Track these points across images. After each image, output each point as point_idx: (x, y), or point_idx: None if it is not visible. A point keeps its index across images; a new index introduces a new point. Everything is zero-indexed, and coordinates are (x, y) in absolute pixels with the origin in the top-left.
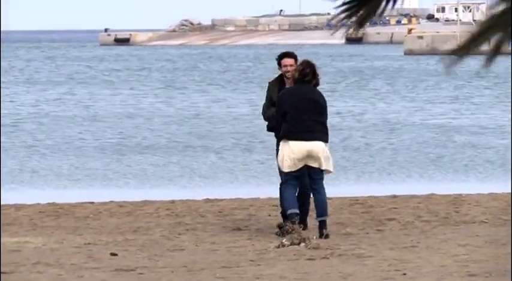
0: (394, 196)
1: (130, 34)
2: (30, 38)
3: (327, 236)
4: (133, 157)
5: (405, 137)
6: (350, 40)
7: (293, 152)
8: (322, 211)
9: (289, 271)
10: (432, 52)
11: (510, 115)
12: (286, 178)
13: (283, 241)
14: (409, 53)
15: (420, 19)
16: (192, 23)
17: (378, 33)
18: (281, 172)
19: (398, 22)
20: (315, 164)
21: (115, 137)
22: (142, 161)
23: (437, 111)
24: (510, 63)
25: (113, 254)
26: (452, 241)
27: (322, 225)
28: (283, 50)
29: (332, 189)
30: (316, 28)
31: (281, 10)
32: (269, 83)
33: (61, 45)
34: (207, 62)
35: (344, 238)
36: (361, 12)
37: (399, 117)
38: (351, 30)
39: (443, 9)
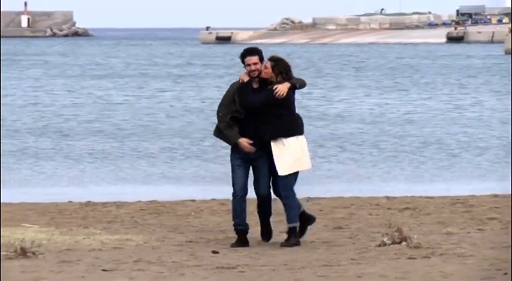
0: (495, 195)
1: (232, 32)
2: (133, 35)
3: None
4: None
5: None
6: (451, 39)
7: None
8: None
9: (389, 270)
10: None
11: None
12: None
13: (385, 239)
14: (510, 52)
15: None
16: (293, 22)
17: (479, 32)
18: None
19: (500, 21)
20: None
21: None
22: None
23: None
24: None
25: (214, 252)
26: None
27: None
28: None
29: (433, 188)
30: (417, 27)
31: (382, 9)
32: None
33: (164, 43)
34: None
35: (445, 237)
36: None
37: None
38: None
39: None
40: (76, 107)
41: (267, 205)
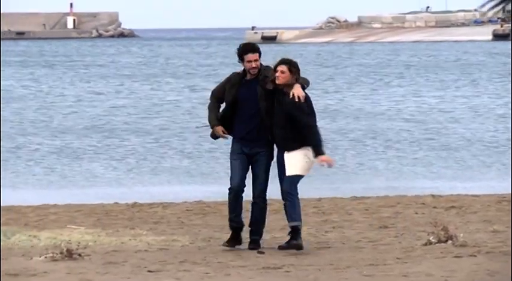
0: None
1: (277, 32)
2: (178, 35)
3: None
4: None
5: None
6: (497, 36)
7: None
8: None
9: (436, 269)
10: None
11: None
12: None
13: (431, 238)
14: None
15: None
16: (338, 21)
17: None
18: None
19: None
20: None
21: None
22: None
23: None
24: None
25: (259, 253)
26: None
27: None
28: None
29: (479, 186)
30: (463, 25)
31: (428, 7)
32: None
33: (210, 43)
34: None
35: (491, 235)
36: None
37: None
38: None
39: None
40: (123, 107)
41: (262, 206)
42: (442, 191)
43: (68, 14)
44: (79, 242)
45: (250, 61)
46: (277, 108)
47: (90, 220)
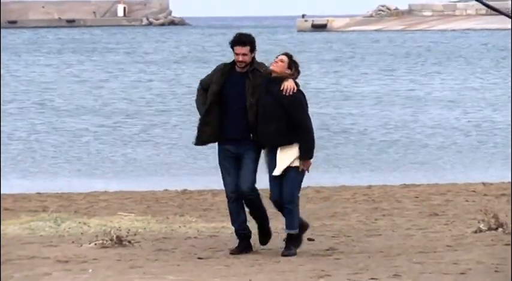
0: None
1: (328, 20)
2: (229, 23)
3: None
4: (327, 144)
5: None
6: None
7: None
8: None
9: (486, 256)
10: None
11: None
12: None
13: (481, 226)
14: None
15: None
16: (389, 9)
17: None
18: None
19: None
20: None
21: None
22: (340, 147)
23: None
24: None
25: (310, 240)
26: None
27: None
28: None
29: None
30: None
31: None
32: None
33: (262, 30)
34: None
35: None
36: None
37: None
38: None
39: None
40: (172, 95)
41: (255, 205)
42: (492, 179)
43: (118, 2)
44: (129, 229)
45: (238, 54)
46: (268, 100)
47: (140, 207)
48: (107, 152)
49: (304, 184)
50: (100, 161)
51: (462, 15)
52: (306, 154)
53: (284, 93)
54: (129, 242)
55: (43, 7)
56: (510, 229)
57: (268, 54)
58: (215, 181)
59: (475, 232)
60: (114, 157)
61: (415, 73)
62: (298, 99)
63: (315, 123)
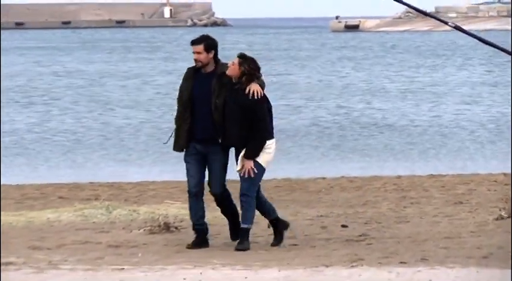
0: None
1: (360, 21)
2: (268, 24)
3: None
4: (359, 136)
5: None
6: None
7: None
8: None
9: (507, 242)
10: None
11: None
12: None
13: (502, 213)
14: None
15: None
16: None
17: None
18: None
19: None
20: None
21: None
22: (373, 139)
23: None
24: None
25: (343, 226)
26: None
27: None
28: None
29: None
30: None
31: None
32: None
33: (298, 30)
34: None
35: None
36: None
37: None
38: None
39: None
40: None
41: (225, 203)
42: None
43: (165, 5)
44: (176, 216)
45: (193, 52)
46: (230, 103)
47: (186, 196)
48: (155, 144)
49: (338, 174)
50: (151, 153)
51: (485, 17)
52: (249, 153)
53: (250, 97)
54: (176, 228)
55: (97, 9)
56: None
57: (307, 52)
58: None
59: (497, 219)
60: (164, 149)
61: (438, 69)
62: (261, 105)
63: (350, 117)
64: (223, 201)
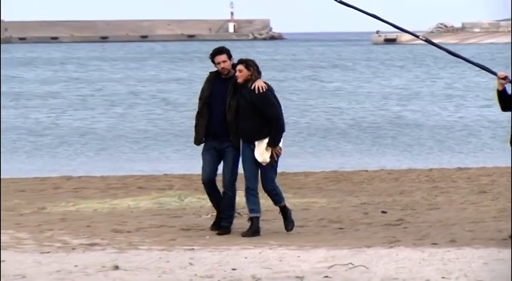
0: None
1: (397, 35)
2: (318, 37)
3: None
4: (396, 134)
5: None
6: None
7: None
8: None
9: None
10: None
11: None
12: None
13: None
14: None
15: None
16: (446, 26)
17: None
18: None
19: None
20: None
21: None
22: (408, 136)
23: None
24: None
25: (383, 212)
26: None
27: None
28: None
29: None
30: None
31: None
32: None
33: (344, 43)
34: None
35: None
36: None
37: None
38: None
39: None
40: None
41: (226, 197)
42: None
43: (229, 21)
44: (238, 204)
45: (219, 63)
46: (242, 101)
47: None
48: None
49: (377, 167)
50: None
51: (504, 31)
52: (272, 142)
53: (256, 92)
54: (239, 214)
55: (168, 25)
56: None
57: (352, 61)
58: (307, 165)
59: None
60: None
61: (466, 76)
62: (266, 95)
63: (389, 119)
64: (231, 193)
